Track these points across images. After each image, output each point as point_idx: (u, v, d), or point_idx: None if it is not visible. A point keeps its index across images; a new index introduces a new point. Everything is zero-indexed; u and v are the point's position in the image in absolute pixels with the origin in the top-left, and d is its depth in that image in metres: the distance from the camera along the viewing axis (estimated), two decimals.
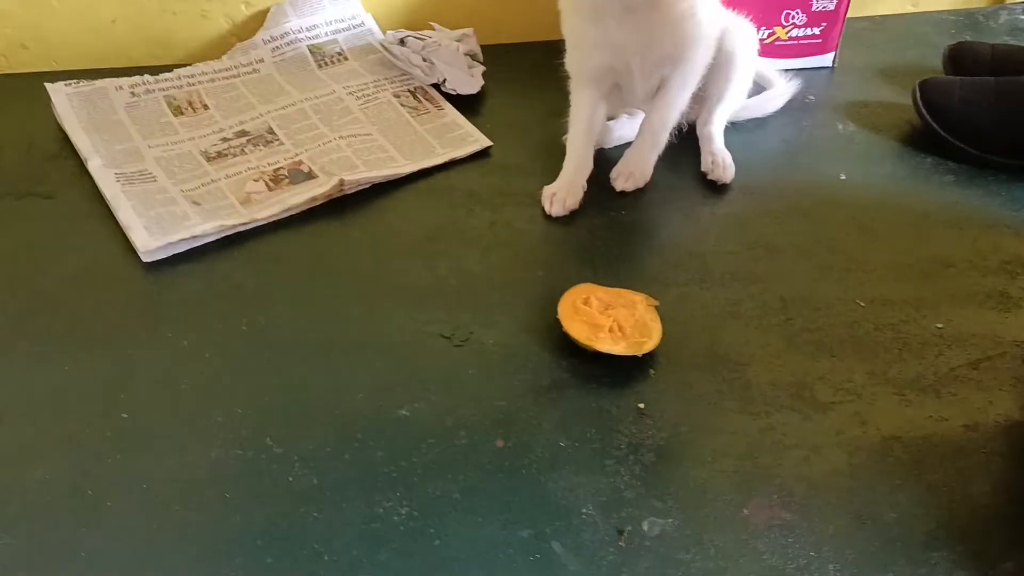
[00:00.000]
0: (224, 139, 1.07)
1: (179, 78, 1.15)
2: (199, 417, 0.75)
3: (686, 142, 1.06)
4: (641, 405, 0.76)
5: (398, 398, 0.77)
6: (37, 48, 1.21)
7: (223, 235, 0.93)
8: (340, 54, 1.21)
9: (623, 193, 1.00)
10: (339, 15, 1.23)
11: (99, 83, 1.12)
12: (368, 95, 1.15)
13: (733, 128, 1.08)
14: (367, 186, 1.00)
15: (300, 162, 1.03)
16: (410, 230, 0.96)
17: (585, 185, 0.99)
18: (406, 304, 0.87)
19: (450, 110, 1.13)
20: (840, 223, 0.97)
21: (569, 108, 1.01)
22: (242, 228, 0.94)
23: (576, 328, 0.80)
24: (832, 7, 1.18)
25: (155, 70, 1.15)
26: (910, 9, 1.39)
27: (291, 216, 0.97)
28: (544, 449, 0.73)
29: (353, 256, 0.93)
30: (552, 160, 1.02)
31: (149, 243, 0.90)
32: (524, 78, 1.19)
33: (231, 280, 0.89)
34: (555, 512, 0.68)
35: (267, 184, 1.00)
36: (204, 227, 0.92)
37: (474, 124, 1.10)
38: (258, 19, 1.22)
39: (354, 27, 1.24)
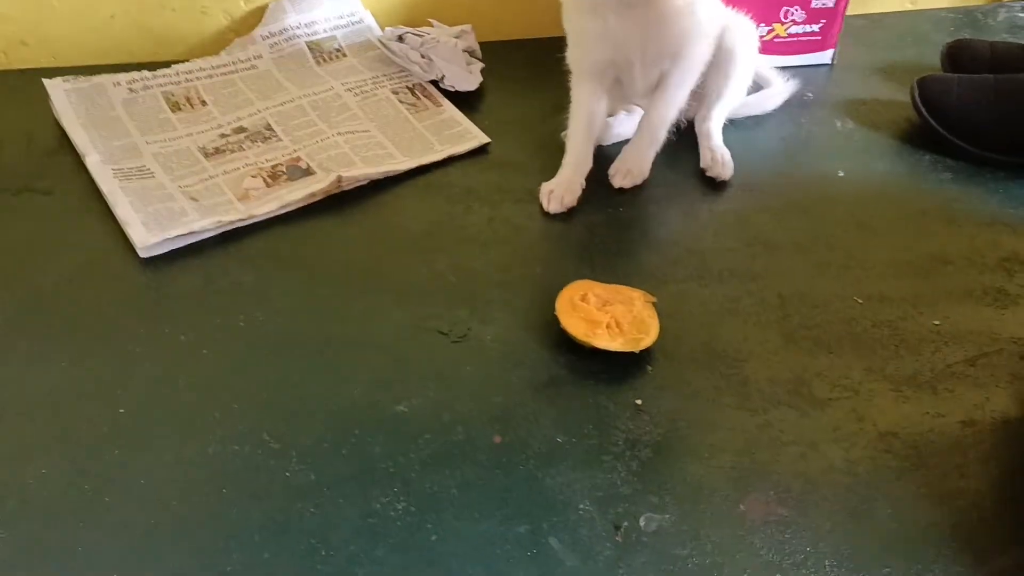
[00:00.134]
0: (222, 135, 1.07)
1: (177, 74, 1.15)
2: (197, 413, 0.76)
3: (685, 139, 1.06)
4: (638, 401, 0.77)
5: (396, 394, 0.77)
6: (36, 44, 1.21)
7: (221, 231, 0.93)
8: (338, 50, 1.21)
9: (621, 190, 1.00)
10: (338, 11, 1.23)
11: (97, 79, 1.12)
12: (366, 91, 1.14)
13: (732, 125, 1.08)
14: (365, 183, 1.00)
15: (298, 158, 1.03)
16: (408, 227, 0.96)
17: (584, 183, 0.99)
18: (404, 300, 0.87)
19: (448, 107, 1.13)
20: (838, 220, 0.98)
21: (569, 105, 1.01)
22: (240, 224, 0.94)
23: (574, 324, 0.80)
24: (831, 4, 1.18)
25: (153, 66, 1.15)
26: (909, 7, 1.39)
27: (289, 212, 0.96)
28: (541, 445, 0.73)
29: (351, 252, 0.93)
30: (550, 157, 1.02)
31: (147, 239, 0.90)
32: (522, 75, 1.19)
33: (229, 276, 0.89)
34: (552, 508, 0.68)
35: (265, 180, 1.00)
36: (202, 223, 0.92)
37: (472, 121, 1.10)
38: (256, 15, 1.22)
39: (353, 24, 1.24)
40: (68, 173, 1.01)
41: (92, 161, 1.00)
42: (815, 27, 1.20)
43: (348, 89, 1.14)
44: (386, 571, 0.64)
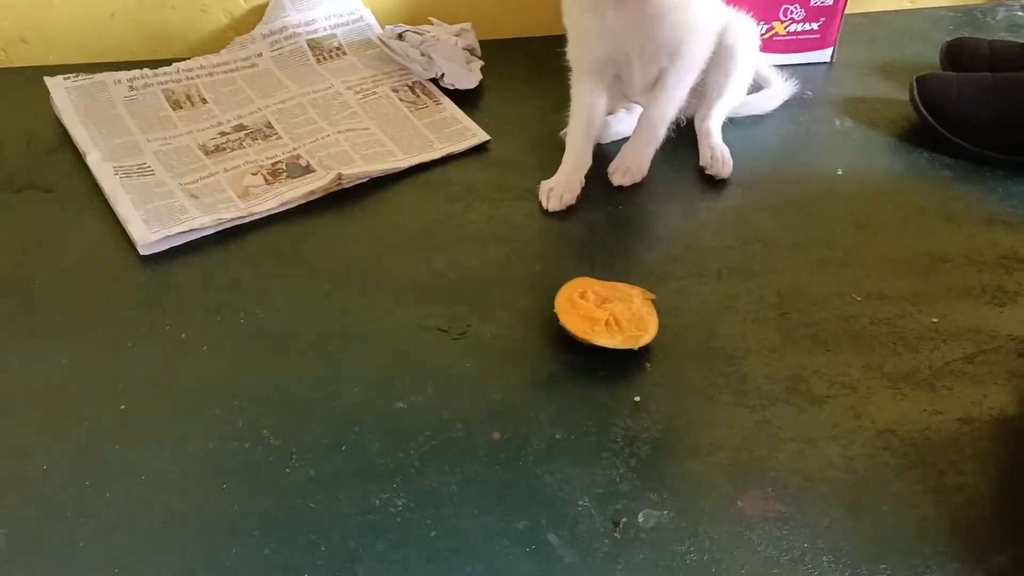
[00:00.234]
0: (222, 133, 1.07)
1: (178, 72, 1.15)
2: (197, 409, 0.76)
3: (684, 137, 1.06)
4: (637, 398, 0.77)
5: (395, 391, 0.77)
6: (36, 42, 1.21)
7: (221, 228, 0.93)
8: (338, 49, 1.21)
9: (621, 188, 1.00)
10: (338, 10, 1.24)
11: (98, 77, 1.12)
12: (366, 90, 1.15)
13: (731, 123, 1.08)
14: (365, 180, 1.00)
15: (298, 156, 1.03)
16: (408, 224, 0.96)
17: (583, 181, 0.99)
18: (404, 298, 0.87)
19: (448, 105, 1.13)
20: (837, 218, 0.98)
21: (569, 103, 1.01)
22: (240, 221, 0.94)
23: (573, 322, 0.80)
24: (831, 3, 1.18)
25: (154, 64, 1.15)
26: (908, 5, 1.39)
27: (289, 210, 0.97)
28: (540, 441, 0.73)
29: (351, 250, 0.93)
30: (550, 155, 1.02)
31: (147, 236, 0.90)
32: (522, 73, 1.19)
33: (229, 273, 0.89)
34: (551, 504, 0.68)
35: (265, 178, 1.00)
36: (202, 220, 0.92)
37: (472, 119, 1.11)
38: (257, 13, 1.22)
39: (352, 22, 1.24)
40: (69, 171, 1.02)
41: (93, 159, 1.00)
42: (814, 25, 1.20)
43: (348, 87, 1.15)
44: (386, 567, 0.64)
